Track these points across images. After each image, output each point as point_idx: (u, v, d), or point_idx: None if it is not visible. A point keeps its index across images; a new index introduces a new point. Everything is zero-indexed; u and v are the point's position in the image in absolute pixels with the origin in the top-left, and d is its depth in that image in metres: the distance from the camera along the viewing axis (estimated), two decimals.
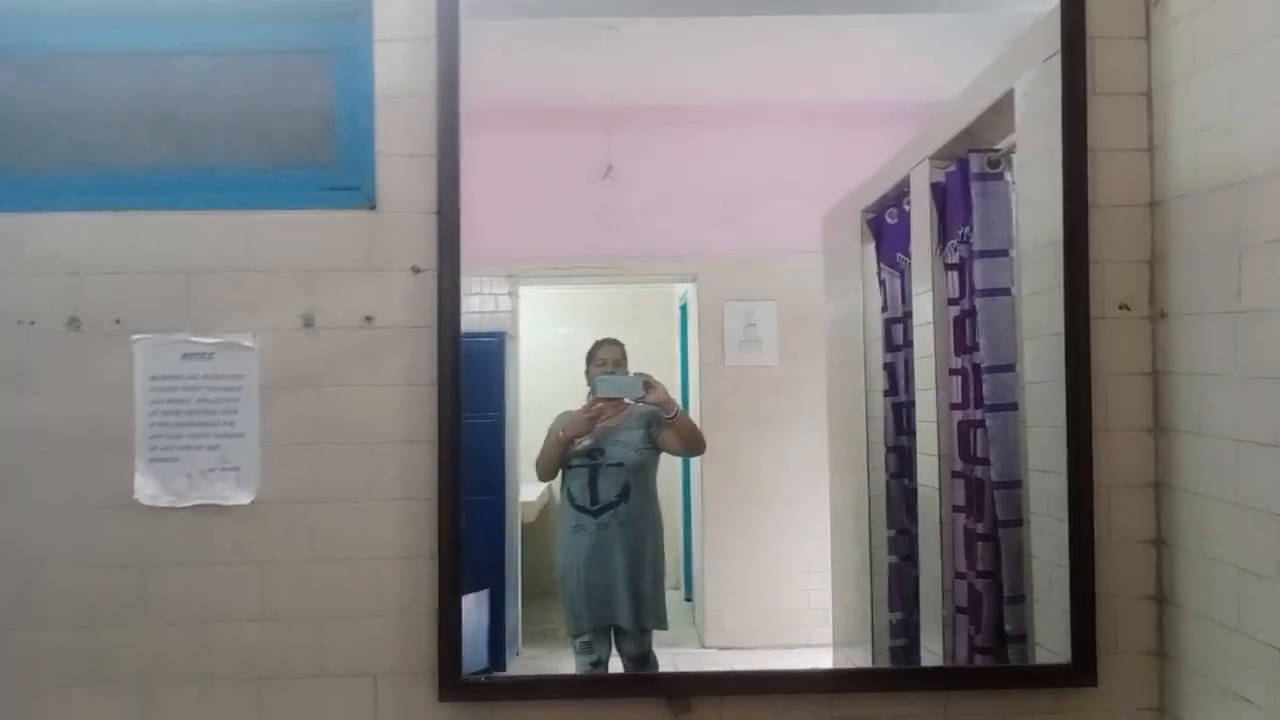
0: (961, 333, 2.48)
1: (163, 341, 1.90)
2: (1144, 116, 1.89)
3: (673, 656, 3.51)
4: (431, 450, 1.88)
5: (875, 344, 3.15)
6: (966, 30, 2.52)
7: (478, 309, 3.53)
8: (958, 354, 2.50)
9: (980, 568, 2.39)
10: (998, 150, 2.35)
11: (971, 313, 2.44)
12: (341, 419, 1.90)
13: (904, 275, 2.95)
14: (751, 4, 2.42)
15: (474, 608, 2.67)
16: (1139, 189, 1.90)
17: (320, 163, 1.97)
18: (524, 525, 3.41)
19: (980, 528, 2.40)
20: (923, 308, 2.72)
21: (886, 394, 3.07)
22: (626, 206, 3.68)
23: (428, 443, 1.89)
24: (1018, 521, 2.26)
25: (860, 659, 3.21)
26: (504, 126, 3.38)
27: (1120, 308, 1.89)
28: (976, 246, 2.38)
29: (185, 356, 1.90)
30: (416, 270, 1.91)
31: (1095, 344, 1.87)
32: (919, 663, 2.82)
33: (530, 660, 3.29)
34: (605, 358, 3.16)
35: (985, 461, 2.37)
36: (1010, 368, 2.29)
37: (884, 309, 3.09)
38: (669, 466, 3.45)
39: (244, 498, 1.89)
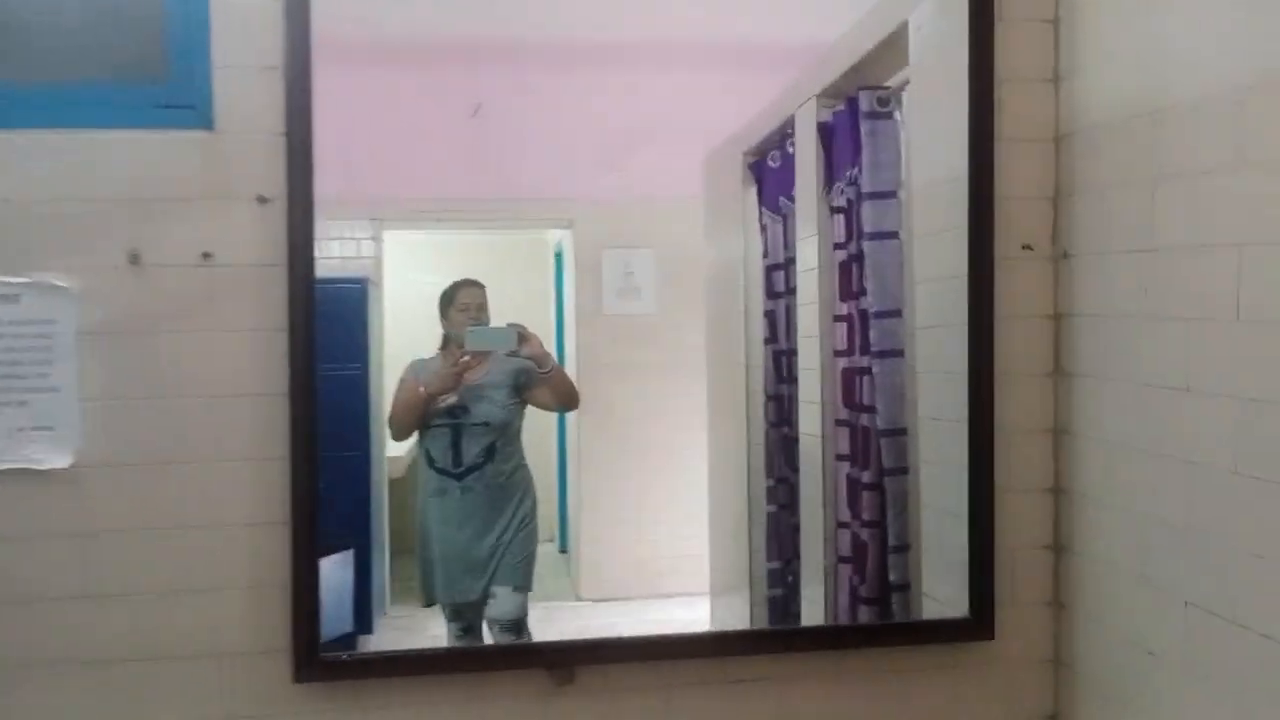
0: (848, 278, 2.42)
1: None
2: (1050, 44, 1.82)
3: (547, 610, 3.40)
4: (283, 404, 1.69)
5: (756, 291, 3.10)
6: None
7: (339, 254, 3.28)
8: (843, 300, 2.44)
9: (866, 517, 2.36)
10: (887, 88, 2.28)
11: (859, 257, 2.38)
12: (178, 370, 1.68)
13: (786, 220, 2.89)
14: None
15: (338, 569, 2.49)
16: (1044, 122, 1.82)
17: (149, 77, 1.71)
18: (391, 481, 3.22)
19: (865, 476, 2.37)
20: (807, 253, 2.66)
21: (767, 342, 3.02)
22: (498, 147, 3.47)
23: (279, 395, 1.69)
24: (903, 469, 2.23)
25: (739, 607, 3.18)
26: (364, 59, 3.12)
27: (1023, 248, 1.83)
28: (865, 188, 2.32)
29: None
30: (262, 200, 1.68)
31: (997, 286, 1.80)
32: (798, 611, 2.80)
33: (399, 619, 3.12)
34: (467, 302, 2.88)
35: (871, 409, 2.33)
36: (898, 313, 2.24)
37: (765, 255, 3.03)
38: (544, 418, 3.31)
39: (61, 461, 1.65)
